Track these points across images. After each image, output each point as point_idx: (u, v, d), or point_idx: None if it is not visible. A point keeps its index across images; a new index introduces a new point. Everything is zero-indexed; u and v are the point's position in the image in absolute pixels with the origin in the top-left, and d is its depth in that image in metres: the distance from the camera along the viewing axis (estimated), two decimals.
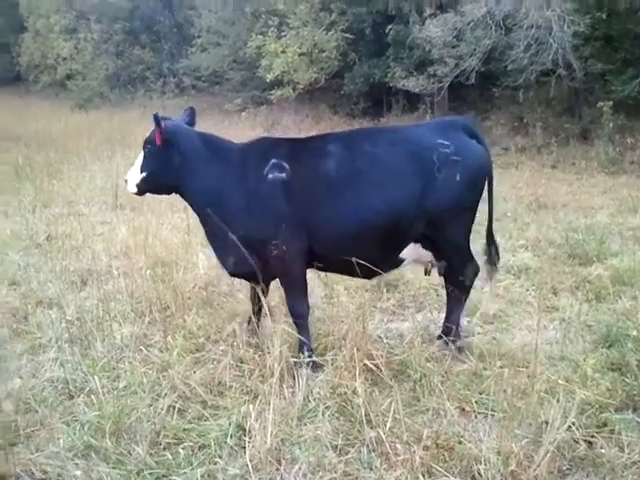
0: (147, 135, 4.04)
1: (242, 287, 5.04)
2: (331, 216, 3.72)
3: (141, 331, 4.18)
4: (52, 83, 35.66)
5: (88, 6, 29.79)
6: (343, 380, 3.48)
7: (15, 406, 3.31)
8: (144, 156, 4.07)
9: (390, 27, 14.87)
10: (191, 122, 4.35)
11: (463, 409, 3.34)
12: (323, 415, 3.27)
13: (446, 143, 3.66)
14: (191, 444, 3.04)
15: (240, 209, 3.79)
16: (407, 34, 14.17)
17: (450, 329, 4.02)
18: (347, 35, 16.10)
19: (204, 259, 5.52)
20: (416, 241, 3.86)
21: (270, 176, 3.73)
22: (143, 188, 4.13)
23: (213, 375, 3.60)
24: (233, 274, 4.13)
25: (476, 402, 3.36)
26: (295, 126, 17.02)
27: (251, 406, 3.17)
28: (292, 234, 3.69)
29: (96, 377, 3.43)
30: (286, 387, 3.44)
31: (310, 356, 3.76)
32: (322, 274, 4.49)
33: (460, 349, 3.95)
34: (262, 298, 3.90)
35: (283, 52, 16.47)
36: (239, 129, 15.65)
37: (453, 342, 3.97)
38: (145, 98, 26.41)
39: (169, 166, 3.98)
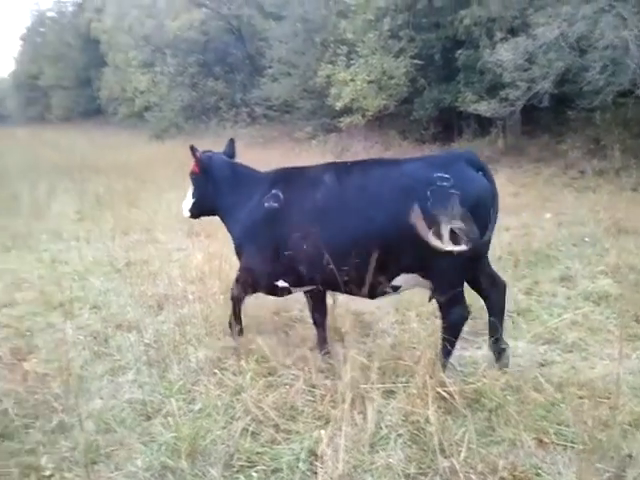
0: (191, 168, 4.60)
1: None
2: (309, 242, 3.85)
3: (215, 355, 4.24)
4: (130, 115, 37.28)
5: (164, 41, 30.99)
6: (415, 408, 3.42)
7: (96, 426, 3.42)
8: (193, 184, 4.65)
9: (460, 52, 14.81)
10: (231, 152, 4.81)
11: (541, 440, 3.21)
12: (395, 443, 3.22)
13: (445, 176, 3.60)
14: (264, 467, 3.05)
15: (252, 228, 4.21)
16: (477, 58, 14.06)
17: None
18: (416, 61, 16.09)
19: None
20: (412, 271, 3.80)
21: (266, 205, 4.09)
22: (194, 212, 4.73)
23: (285, 399, 3.62)
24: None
25: (554, 433, 3.23)
26: (365, 152, 17.06)
27: (323, 431, 3.16)
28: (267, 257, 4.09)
29: (173, 399, 3.51)
30: (357, 413, 3.41)
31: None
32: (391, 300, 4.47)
33: None
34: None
35: (352, 80, 16.62)
36: (309, 156, 15.81)
37: None
38: (218, 128, 27.13)
39: (207, 191, 4.55)
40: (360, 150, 17.49)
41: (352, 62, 17.28)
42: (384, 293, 3.98)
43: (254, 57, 27.71)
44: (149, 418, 3.55)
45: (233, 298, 4.42)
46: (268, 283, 4.26)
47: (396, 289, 3.97)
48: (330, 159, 15.71)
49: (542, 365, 4.08)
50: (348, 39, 17.60)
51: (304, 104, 21.63)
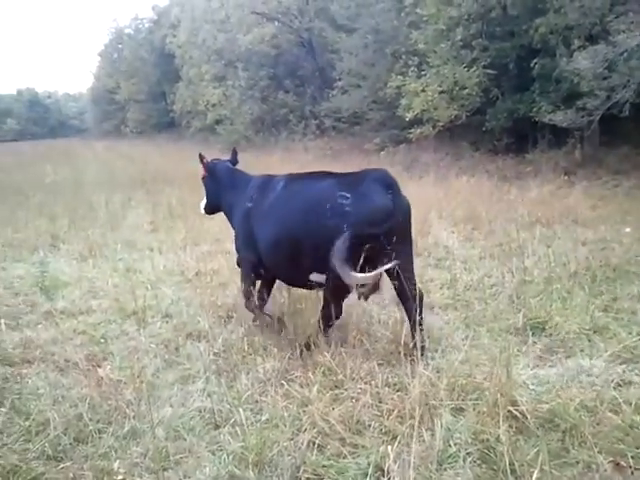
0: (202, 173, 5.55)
1: (382, 325, 5.03)
2: (261, 238, 4.67)
3: (282, 366, 4.25)
4: (202, 128, 38.18)
5: (236, 55, 31.64)
6: (485, 426, 3.33)
7: (166, 433, 3.48)
8: (204, 187, 5.62)
9: (535, 61, 14.42)
10: (234, 160, 5.69)
11: (617, 464, 3.04)
12: (464, 461, 3.14)
13: (346, 195, 4.03)
14: None
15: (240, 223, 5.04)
16: (554, 67, 13.68)
17: None
18: (489, 71, 15.78)
19: None
20: (322, 272, 4.24)
21: (247, 204, 4.88)
22: (207, 210, 5.72)
23: (352, 413, 3.58)
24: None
25: (632, 457, 3.06)
26: (434, 164, 16.87)
27: (389, 447, 3.11)
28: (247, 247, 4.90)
29: (240, 409, 3.54)
30: (425, 430, 3.34)
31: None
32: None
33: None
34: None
35: (423, 91, 16.47)
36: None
37: None
38: (288, 140, 27.46)
39: (213, 192, 5.49)
40: (430, 161, 17.30)
41: (423, 73, 17.16)
42: (309, 286, 4.56)
43: (324, 69, 27.92)
44: (217, 427, 3.58)
45: (243, 293, 5.06)
46: (253, 272, 4.96)
47: (312, 285, 4.46)
48: (399, 171, 15.64)
49: (619, 385, 3.89)
50: (419, 49, 17.46)
51: (373, 115, 21.61)
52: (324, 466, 3.14)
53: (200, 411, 3.77)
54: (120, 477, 3.10)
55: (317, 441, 3.32)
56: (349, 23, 23.08)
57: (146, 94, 52.67)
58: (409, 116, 17.02)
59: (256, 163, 18.66)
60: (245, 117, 30.82)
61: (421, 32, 17.40)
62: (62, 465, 3.22)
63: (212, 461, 3.23)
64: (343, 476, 3.07)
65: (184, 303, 5.96)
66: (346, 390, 3.87)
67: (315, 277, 4.38)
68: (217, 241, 8.71)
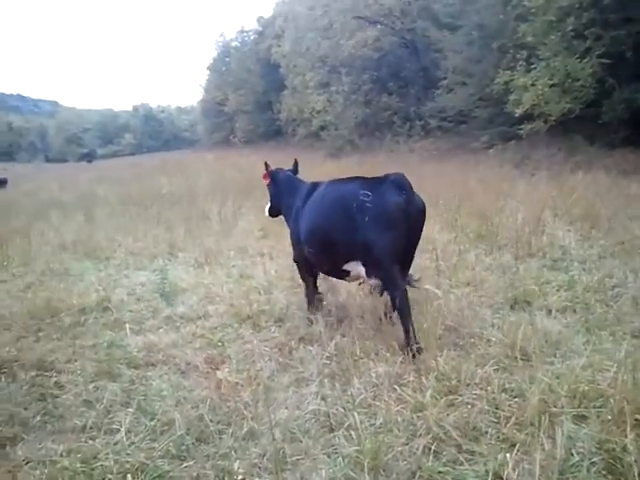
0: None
1: (496, 329, 4.91)
2: (303, 232, 5.39)
3: (394, 370, 4.23)
4: (307, 135, 38.75)
5: (339, 60, 31.88)
6: (611, 435, 3.17)
7: (283, 435, 3.56)
8: (269, 193, 6.37)
9: None
10: (295, 169, 6.37)
11: None
12: (588, 472, 3.00)
13: (368, 194, 4.78)
14: None
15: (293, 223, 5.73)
16: None
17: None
18: (604, 60, 15.01)
19: (453, 299, 5.50)
20: (354, 260, 4.98)
21: (298, 204, 5.63)
22: (271, 213, 6.43)
23: (467, 419, 3.51)
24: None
25: None
26: (546, 160, 16.23)
27: (508, 455, 3.02)
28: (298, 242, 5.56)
29: (355, 413, 3.56)
30: (545, 438, 3.21)
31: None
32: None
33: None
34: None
35: (533, 85, 15.96)
36: (487, 167, 15.39)
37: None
38: (392, 143, 27.34)
39: (275, 197, 6.25)
40: (542, 158, 16.67)
41: (532, 66, 16.61)
42: (342, 276, 5.37)
43: (428, 69, 27.64)
44: (332, 430, 3.62)
45: (303, 281, 5.98)
46: (307, 266, 5.73)
47: (347, 273, 5.21)
48: (509, 169, 15.21)
49: None
50: (528, 43, 16.88)
51: (480, 113, 21.16)
52: (440, 472, 3.10)
53: (315, 414, 3.82)
54: (240, 477, 3.20)
55: (432, 447, 3.28)
56: (453, 21, 22.73)
57: (253, 104, 54.18)
58: (518, 112, 16.54)
59: (360, 167, 18.75)
60: (349, 122, 31.00)
61: (529, 24, 16.82)
62: (185, 464, 3.37)
63: (328, 464, 3.27)
64: None
65: (295, 307, 6.07)
66: (461, 396, 3.81)
67: (348, 266, 5.09)
68: None
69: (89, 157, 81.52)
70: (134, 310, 6.45)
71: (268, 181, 6.30)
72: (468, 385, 3.95)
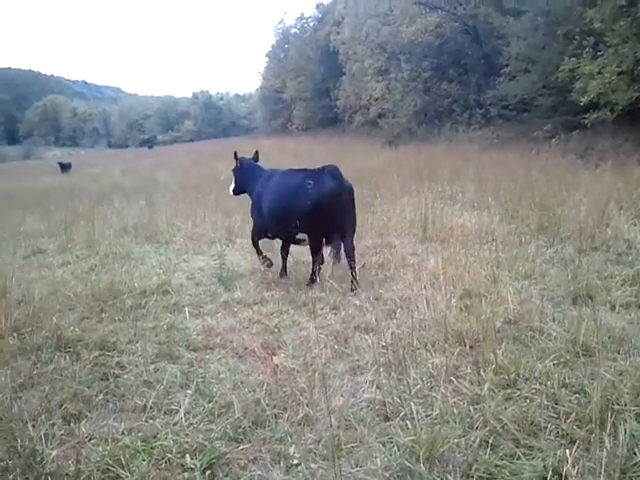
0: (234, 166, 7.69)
1: (556, 323, 4.81)
2: (267, 212, 6.87)
3: (451, 362, 4.20)
4: (365, 122, 38.56)
5: (399, 47, 31.54)
6: None
7: (337, 421, 3.58)
8: (234, 175, 7.70)
9: None
10: (256, 158, 7.77)
11: None
12: None
13: (310, 182, 6.35)
14: None
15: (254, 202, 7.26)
16: None
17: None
18: None
19: (513, 292, 5.40)
20: (304, 232, 6.54)
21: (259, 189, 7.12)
22: (235, 191, 7.75)
23: (526, 414, 3.45)
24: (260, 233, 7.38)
25: None
26: (612, 151, 15.67)
27: (567, 451, 2.95)
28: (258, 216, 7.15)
29: (412, 403, 3.55)
30: (607, 435, 3.12)
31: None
32: None
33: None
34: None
35: (600, 73, 15.42)
36: (550, 157, 14.97)
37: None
38: (451, 131, 26.92)
39: (240, 179, 7.60)
40: (607, 148, 16.12)
41: (600, 53, 16.05)
42: (297, 242, 6.86)
43: (490, 56, 27.03)
44: (387, 419, 3.61)
45: (253, 242, 7.45)
46: (261, 232, 7.25)
47: (300, 240, 6.73)
48: (572, 159, 14.79)
49: None
50: (595, 29, 16.27)
51: (543, 101, 20.58)
52: (497, 466, 3.06)
53: (370, 402, 3.82)
54: (295, 461, 3.24)
55: (490, 440, 3.25)
56: (517, 6, 22.16)
57: (311, 92, 54.19)
58: (584, 100, 16.03)
59: (418, 156, 18.56)
60: (408, 109, 30.68)
61: (597, 10, 16.21)
62: (242, 446, 3.42)
63: (383, 452, 3.26)
64: (517, 477, 2.97)
65: (351, 295, 6.07)
66: (519, 390, 3.75)
67: (301, 236, 6.64)
68: (381, 235, 8.77)
69: (150, 143, 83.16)
70: (193, 294, 6.59)
71: (234, 167, 7.66)
72: (527, 379, 3.89)
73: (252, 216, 7.39)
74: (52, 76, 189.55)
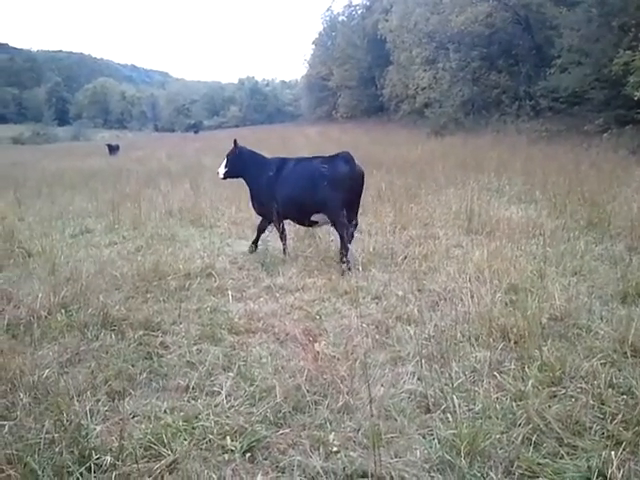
0: (229, 151, 7.92)
1: (604, 322, 4.70)
2: (283, 196, 7.22)
3: (495, 357, 4.14)
4: (411, 112, 38.31)
5: (448, 36, 31.15)
6: None
7: (377, 411, 3.57)
8: (227, 160, 7.85)
9: None
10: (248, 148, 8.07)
11: None
12: None
13: (325, 166, 6.94)
14: None
15: (255, 188, 7.76)
16: None
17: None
18: None
19: (560, 289, 5.29)
20: (319, 212, 7.05)
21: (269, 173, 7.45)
22: (226, 176, 7.92)
23: (570, 413, 3.38)
24: (259, 213, 7.90)
25: None
26: None
27: (613, 452, 2.89)
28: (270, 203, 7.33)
29: (454, 396, 3.52)
30: None
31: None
32: None
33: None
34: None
35: None
36: (600, 152, 14.59)
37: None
38: (499, 123, 26.50)
39: (235, 165, 7.82)
40: None
41: None
42: (310, 224, 7.46)
43: (541, 47, 26.47)
44: (428, 411, 3.59)
45: (275, 226, 7.64)
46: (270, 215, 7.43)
47: (315, 223, 7.33)
48: (624, 155, 14.40)
49: None
50: None
51: (596, 95, 20.09)
52: (539, 464, 3.01)
53: (411, 394, 3.80)
54: (335, 449, 3.24)
55: (533, 438, 3.20)
56: None
57: (357, 80, 53.97)
58: (638, 94, 15.57)
59: (464, 148, 18.30)
60: (455, 99, 30.35)
61: None
62: (282, 431, 3.44)
63: (423, 444, 3.24)
64: (560, 477, 2.92)
65: (393, 286, 6.04)
66: (564, 388, 3.68)
67: (315, 217, 7.16)
68: (425, 226, 8.69)
69: (196, 128, 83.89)
70: (236, 278, 6.64)
71: (232, 153, 7.86)
72: (573, 378, 3.81)
73: (257, 202, 7.74)
74: (102, 59, 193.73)
